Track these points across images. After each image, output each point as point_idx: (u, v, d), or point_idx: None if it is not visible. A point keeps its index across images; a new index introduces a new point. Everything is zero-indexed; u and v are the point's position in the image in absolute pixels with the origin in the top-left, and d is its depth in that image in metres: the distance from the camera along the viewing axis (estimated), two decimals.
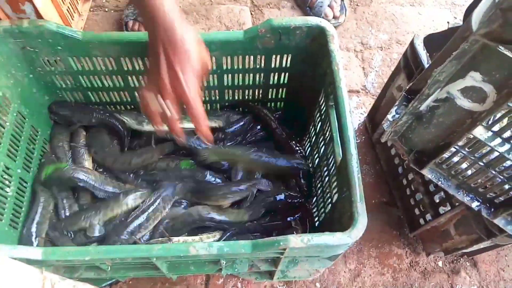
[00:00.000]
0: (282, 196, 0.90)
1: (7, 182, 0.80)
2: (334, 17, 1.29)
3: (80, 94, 0.94)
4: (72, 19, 1.15)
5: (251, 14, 1.30)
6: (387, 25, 1.31)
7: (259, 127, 1.00)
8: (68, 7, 1.12)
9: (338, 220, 0.71)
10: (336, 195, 0.74)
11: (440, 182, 0.69)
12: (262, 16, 1.29)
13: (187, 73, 0.61)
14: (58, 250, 0.61)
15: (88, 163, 0.94)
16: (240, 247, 0.62)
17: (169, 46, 0.61)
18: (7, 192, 0.80)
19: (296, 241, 0.60)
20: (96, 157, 0.94)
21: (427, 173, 0.69)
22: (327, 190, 0.81)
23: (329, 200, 0.79)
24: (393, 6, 1.35)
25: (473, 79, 0.55)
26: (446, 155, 0.66)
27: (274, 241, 0.61)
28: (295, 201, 0.90)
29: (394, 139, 0.69)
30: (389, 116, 0.69)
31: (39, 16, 0.99)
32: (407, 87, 0.72)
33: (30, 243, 0.82)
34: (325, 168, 0.83)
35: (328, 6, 1.28)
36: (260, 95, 0.99)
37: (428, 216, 0.92)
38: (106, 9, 1.28)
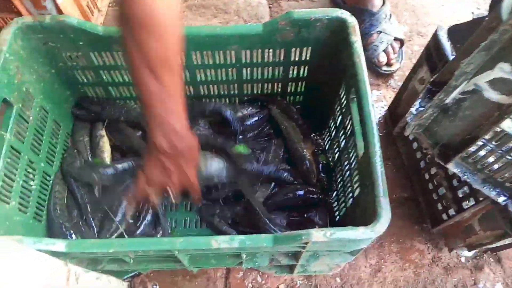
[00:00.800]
0: (301, 192, 0.90)
1: (31, 176, 0.82)
2: (388, 64, 1.17)
3: (101, 89, 0.95)
4: (92, 15, 1.16)
5: (269, 7, 1.29)
6: (407, 16, 1.28)
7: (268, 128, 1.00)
8: (88, 2, 1.12)
9: (361, 214, 0.71)
10: (358, 189, 0.73)
11: (465, 177, 0.68)
12: (280, 9, 1.28)
13: (192, 171, 0.73)
14: (82, 242, 0.62)
15: (107, 154, 0.95)
16: (262, 241, 0.62)
17: (175, 151, 0.68)
18: (31, 186, 0.81)
19: (318, 235, 0.59)
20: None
21: (452, 167, 0.67)
22: (348, 185, 0.80)
23: (351, 194, 0.78)
24: None
25: (502, 70, 0.53)
26: (472, 148, 0.64)
27: (296, 235, 0.60)
28: (315, 196, 0.90)
29: (418, 133, 0.68)
30: (413, 109, 0.67)
31: (59, 12, 1.00)
32: (431, 80, 0.71)
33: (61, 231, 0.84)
34: (346, 162, 0.82)
35: (384, 51, 1.16)
36: (279, 89, 0.98)
37: (451, 211, 0.90)
38: None
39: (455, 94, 0.59)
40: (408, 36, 1.24)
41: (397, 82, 1.18)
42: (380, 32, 1.17)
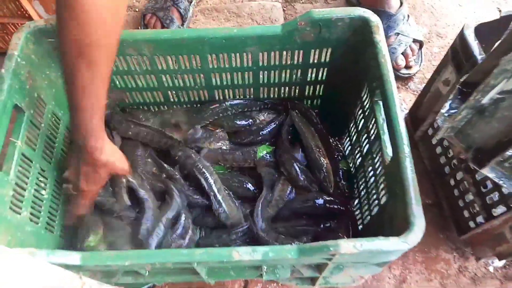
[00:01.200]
0: (321, 201, 0.86)
1: (42, 185, 0.79)
2: (407, 67, 1.13)
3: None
4: None
5: (283, 10, 1.26)
6: (426, 17, 1.25)
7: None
8: None
9: (389, 223, 0.67)
10: (385, 197, 0.70)
11: (502, 182, 0.64)
12: (295, 12, 1.25)
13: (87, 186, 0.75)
14: (97, 254, 0.59)
15: None
16: (286, 252, 0.58)
17: (85, 163, 0.72)
18: (43, 195, 0.79)
19: (347, 246, 0.55)
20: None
21: (488, 172, 0.63)
22: (374, 192, 0.76)
23: (376, 202, 0.74)
24: None
25: None
26: (509, 152, 0.60)
27: (323, 246, 0.57)
28: (336, 207, 0.86)
29: (450, 136, 0.64)
30: (443, 111, 0.64)
31: None
32: (462, 80, 0.67)
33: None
34: (370, 168, 0.78)
35: (402, 53, 1.12)
36: (297, 93, 0.95)
37: (480, 219, 0.86)
38: (137, 9, 1.27)
39: (492, 93, 0.56)
40: (427, 38, 1.21)
41: (417, 84, 1.14)
42: (398, 34, 1.13)
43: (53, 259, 0.57)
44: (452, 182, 0.93)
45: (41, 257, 0.58)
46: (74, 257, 0.58)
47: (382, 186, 0.71)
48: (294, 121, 0.92)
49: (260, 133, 0.93)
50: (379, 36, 0.71)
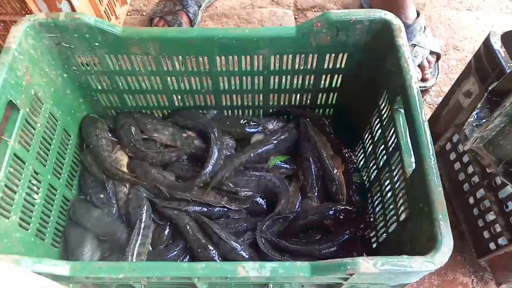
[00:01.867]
0: (331, 212, 0.80)
1: (35, 188, 0.74)
2: (423, 80, 1.09)
3: (116, 97, 0.88)
4: (109, 21, 1.10)
5: (295, 17, 1.23)
6: (442, 30, 1.20)
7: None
8: (105, 8, 1.07)
9: (410, 241, 0.61)
10: (405, 212, 0.64)
11: None
12: (306, 20, 1.21)
13: None
14: (88, 265, 0.54)
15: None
16: (298, 270, 0.52)
17: None
18: (35, 200, 0.73)
19: (367, 265, 0.50)
20: None
21: None
22: (391, 207, 0.70)
23: (394, 218, 0.68)
24: (449, 11, 1.25)
25: None
26: None
27: (339, 264, 0.51)
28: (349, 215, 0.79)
29: (479, 147, 0.59)
30: (472, 120, 0.58)
31: None
32: (491, 88, 0.62)
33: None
34: (388, 181, 0.72)
35: (419, 66, 1.08)
36: (308, 101, 0.90)
37: (502, 240, 0.79)
38: (144, 13, 1.23)
39: None
40: (444, 50, 1.17)
41: (433, 98, 1.09)
42: (415, 45, 1.09)
43: (39, 268, 0.52)
44: (471, 200, 0.87)
45: (26, 266, 0.52)
46: (62, 267, 0.53)
47: (401, 201, 0.66)
48: (306, 130, 0.87)
49: (270, 144, 0.88)
50: (402, 40, 0.67)
